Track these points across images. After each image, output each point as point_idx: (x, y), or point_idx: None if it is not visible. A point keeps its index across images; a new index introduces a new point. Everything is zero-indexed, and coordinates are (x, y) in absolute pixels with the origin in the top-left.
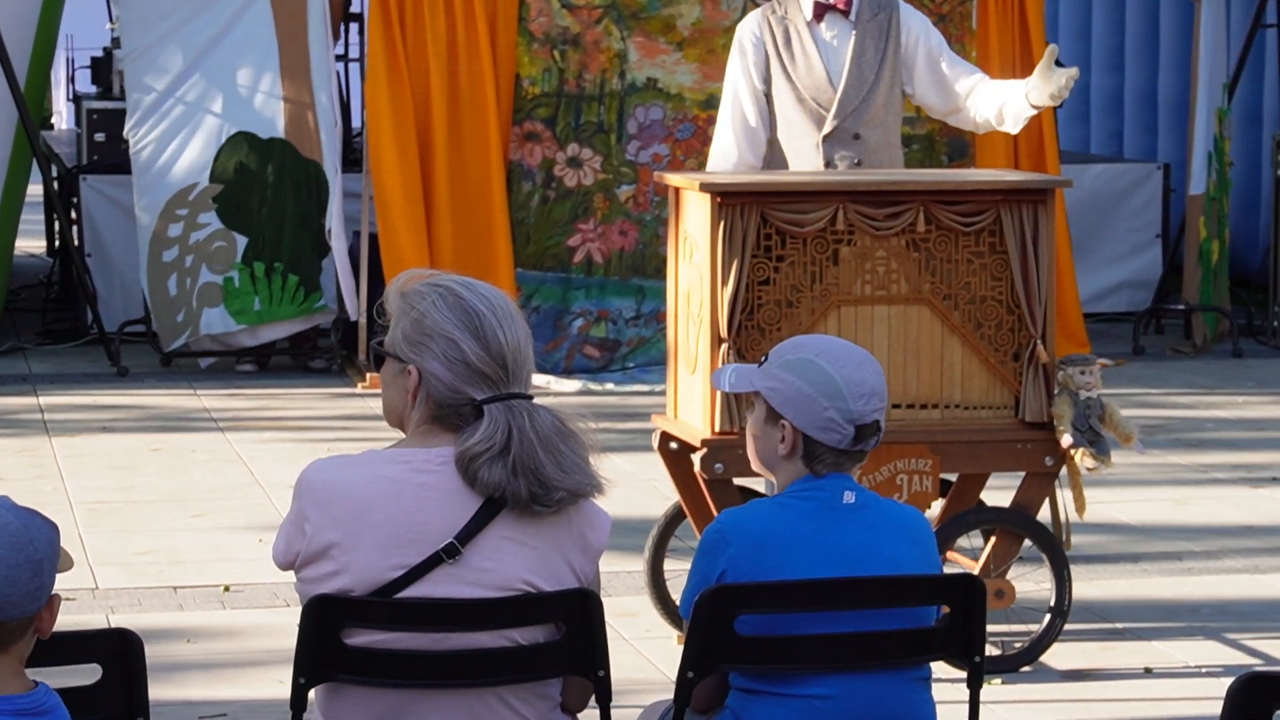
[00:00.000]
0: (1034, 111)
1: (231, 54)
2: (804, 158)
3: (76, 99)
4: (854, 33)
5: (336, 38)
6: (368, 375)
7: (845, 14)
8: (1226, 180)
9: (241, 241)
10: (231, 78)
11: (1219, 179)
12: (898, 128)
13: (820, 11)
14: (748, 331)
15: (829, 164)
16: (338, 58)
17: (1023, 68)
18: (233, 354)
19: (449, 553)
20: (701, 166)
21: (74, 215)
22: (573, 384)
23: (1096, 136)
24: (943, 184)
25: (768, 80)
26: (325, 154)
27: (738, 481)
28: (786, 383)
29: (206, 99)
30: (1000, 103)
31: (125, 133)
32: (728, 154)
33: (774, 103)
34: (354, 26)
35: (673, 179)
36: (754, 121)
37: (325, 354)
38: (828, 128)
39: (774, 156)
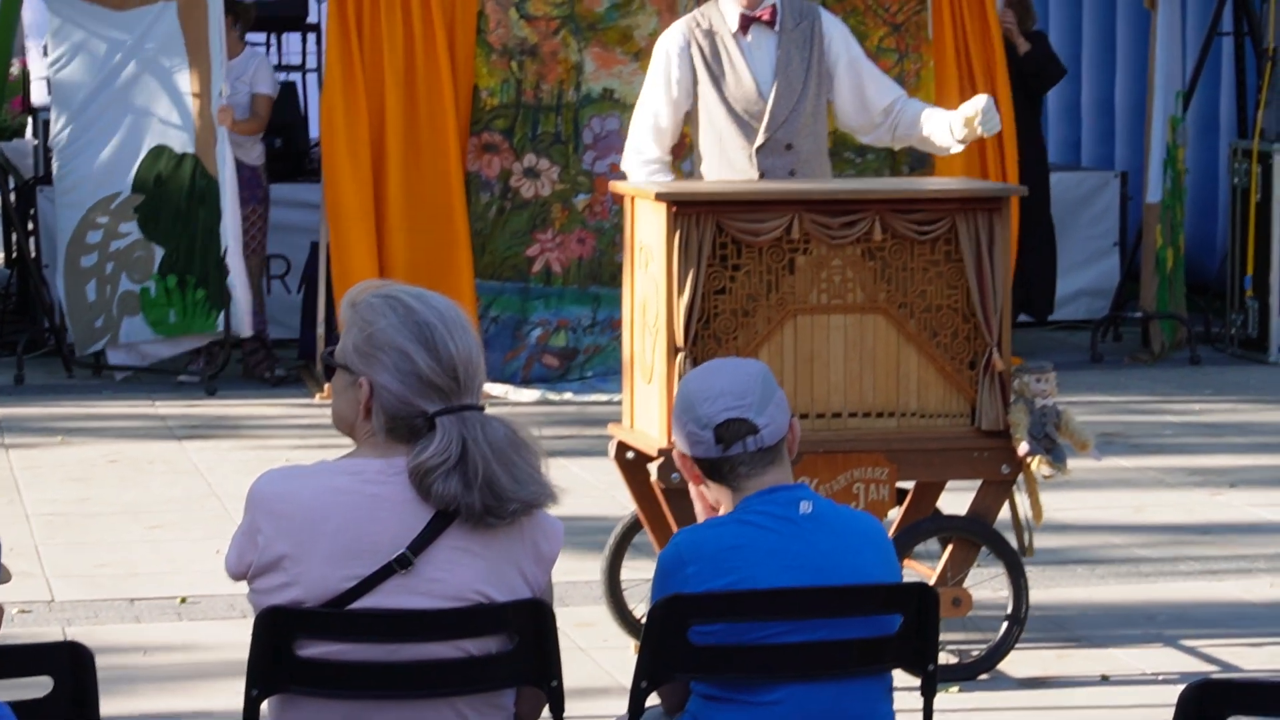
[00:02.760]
0: (959, 147)
1: (151, 65)
2: (738, 170)
3: (33, 110)
4: (779, 43)
5: (237, 51)
6: (325, 386)
7: (770, 24)
8: (1181, 188)
9: (159, 252)
10: (153, 89)
11: (1173, 187)
12: (825, 136)
13: (745, 23)
14: (704, 341)
15: (764, 175)
16: (294, 68)
17: (981, 77)
18: (146, 370)
19: (401, 563)
20: None
21: (31, 226)
22: (531, 393)
23: (1054, 145)
24: (898, 193)
25: (692, 94)
26: (219, 170)
27: None
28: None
29: (130, 110)
30: (928, 129)
31: (50, 140)
32: (643, 150)
33: (702, 116)
34: (311, 37)
35: (628, 188)
36: (665, 124)
37: (280, 365)
38: (760, 139)
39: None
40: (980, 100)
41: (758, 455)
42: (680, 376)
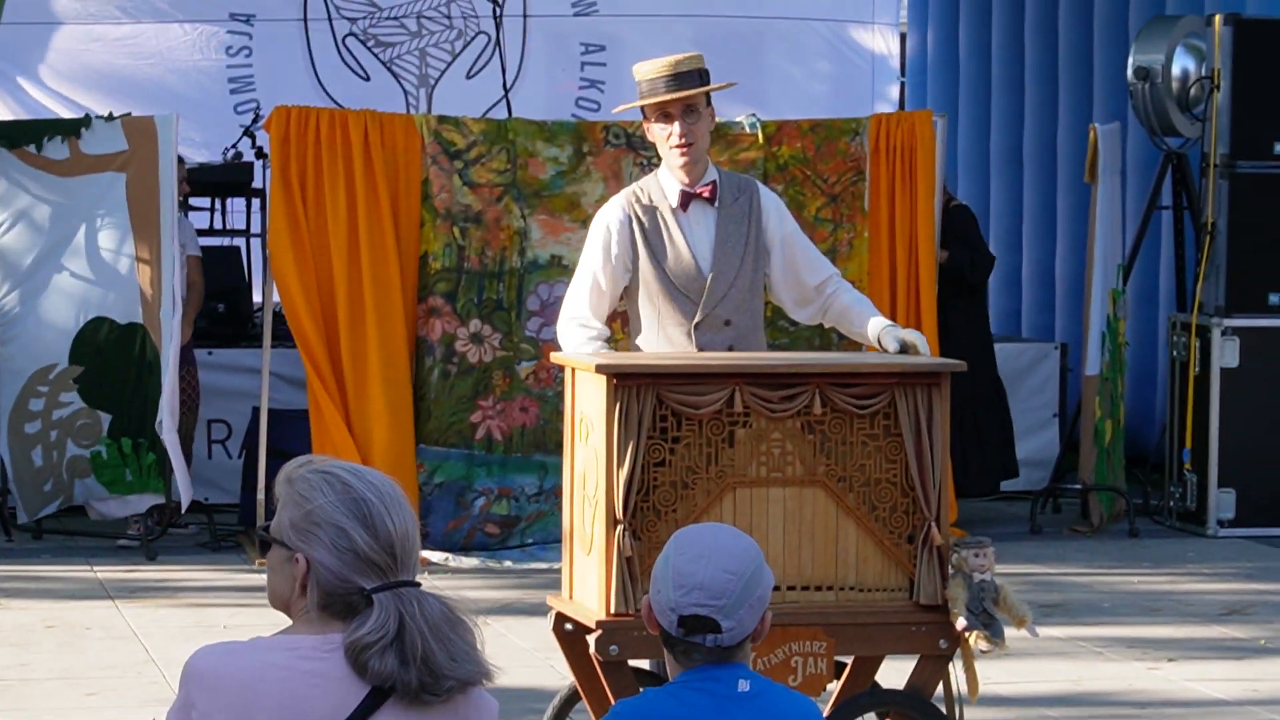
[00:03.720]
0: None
1: (94, 233)
2: (675, 344)
3: None
4: (718, 219)
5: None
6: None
7: (710, 200)
8: (1121, 361)
9: (106, 419)
10: (98, 259)
11: (1113, 359)
12: (761, 310)
13: (685, 199)
14: (643, 513)
15: (701, 350)
16: (238, 232)
17: (919, 249)
18: (83, 535)
19: None
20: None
21: None
22: (471, 561)
23: (995, 315)
24: (838, 367)
25: (631, 269)
26: (162, 341)
27: (633, 663)
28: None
29: (73, 279)
30: (857, 327)
31: None
32: (579, 316)
33: (641, 290)
34: (255, 201)
35: (568, 359)
36: (604, 295)
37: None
38: (699, 315)
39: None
40: (921, 344)
41: (715, 650)
42: (619, 549)
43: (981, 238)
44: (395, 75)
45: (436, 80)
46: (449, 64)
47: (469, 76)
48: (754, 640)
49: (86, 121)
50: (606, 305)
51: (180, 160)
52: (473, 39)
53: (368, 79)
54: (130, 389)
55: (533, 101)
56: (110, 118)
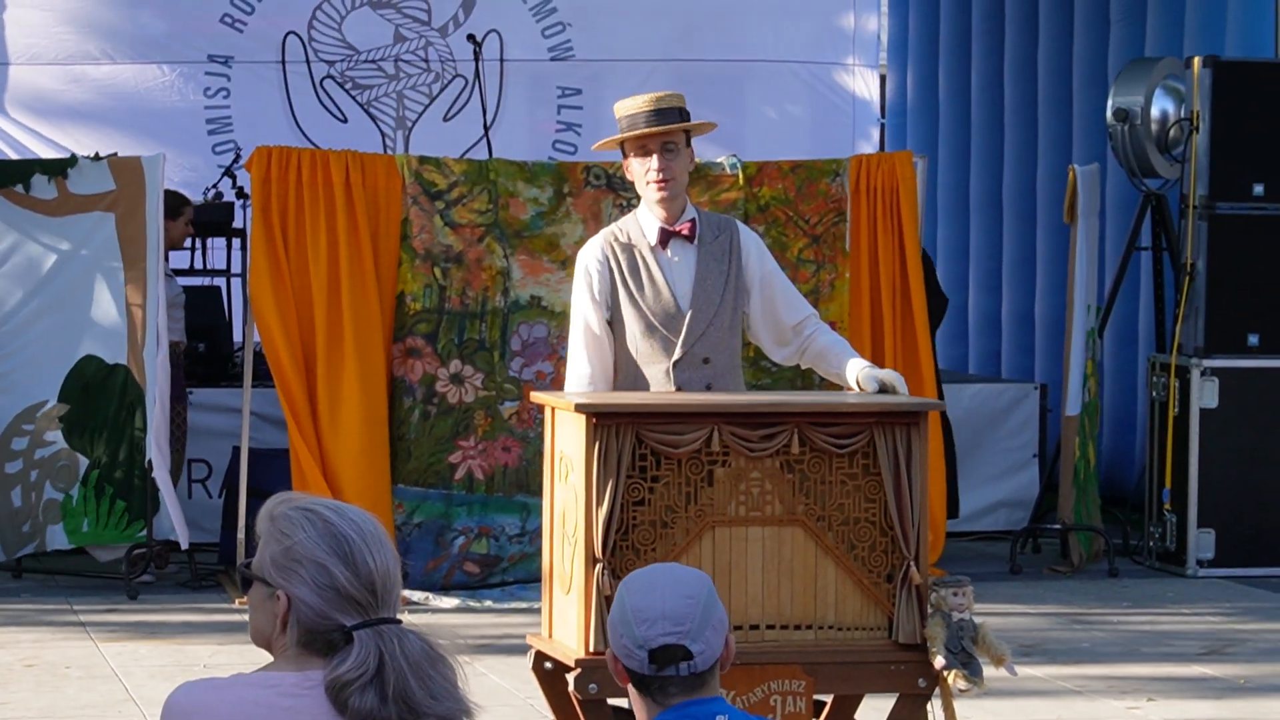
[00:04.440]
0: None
1: (83, 272)
2: (655, 382)
3: None
4: (698, 257)
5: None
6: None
7: (689, 239)
8: (1095, 401)
9: (84, 462)
10: (83, 296)
11: (1090, 398)
12: (739, 349)
13: (665, 237)
14: (622, 552)
15: (680, 388)
16: (219, 272)
17: (900, 291)
18: (62, 574)
19: None
20: None
21: None
22: (451, 601)
23: (975, 356)
24: (817, 406)
25: (612, 307)
26: (147, 380)
27: (612, 702)
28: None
29: (63, 318)
30: (835, 368)
31: None
32: (583, 374)
33: (621, 329)
34: (236, 241)
35: (547, 399)
36: (601, 334)
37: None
38: (678, 353)
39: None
40: (900, 384)
41: (690, 679)
42: (598, 588)
43: (936, 281)
44: (373, 117)
45: (414, 122)
46: (426, 106)
47: (446, 119)
48: (722, 668)
49: (73, 161)
50: (607, 346)
51: (188, 201)
52: (450, 81)
53: (345, 120)
54: (108, 433)
55: (510, 143)
56: (97, 158)
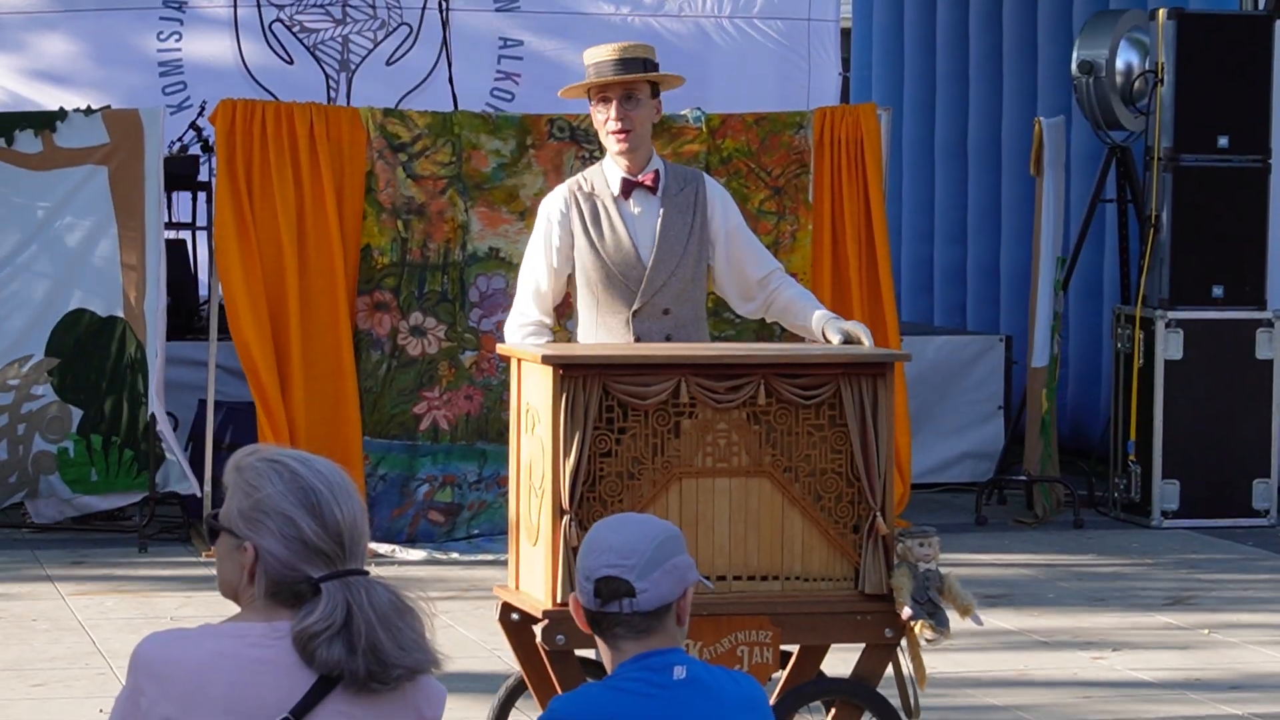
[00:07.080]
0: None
1: (72, 226)
2: (614, 333)
3: None
4: (661, 208)
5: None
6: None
7: (652, 190)
8: (1056, 354)
9: (77, 414)
10: (72, 251)
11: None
12: (704, 301)
13: (628, 187)
14: (589, 503)
15: (639, 339)
16: (184, 225)
17: (865, 243)
18: (28, 528)
19: None
20: None
21: None
22: (418, 553)
23: (940, 308)
24: (783, 357)
25: (570, 258)
26: (148, 334)
27: (580, 653)
28: None
29: (48, 273)
30: (800, 321)
31: None
32: (524, 313)
33: (580, 279)
34: (201, 195)
35: (514, 350)
36: (546, 288)
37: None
38: (637, 303)
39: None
40: (865, 335)
41: (635, 618)
42: (565, 539)
43: None
44: (318, 60)
45: (357, 66)
46: (369, 51)
47: (388, 64)
48: (679, 621)
49: (62, 114)
50: (550, 298)
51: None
52: (395, 29)
53: (291, 62)
54: (106, 384)
55: (450, 90)
56: (90, 111)
